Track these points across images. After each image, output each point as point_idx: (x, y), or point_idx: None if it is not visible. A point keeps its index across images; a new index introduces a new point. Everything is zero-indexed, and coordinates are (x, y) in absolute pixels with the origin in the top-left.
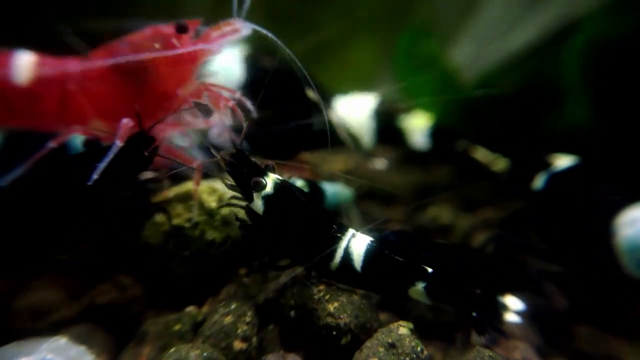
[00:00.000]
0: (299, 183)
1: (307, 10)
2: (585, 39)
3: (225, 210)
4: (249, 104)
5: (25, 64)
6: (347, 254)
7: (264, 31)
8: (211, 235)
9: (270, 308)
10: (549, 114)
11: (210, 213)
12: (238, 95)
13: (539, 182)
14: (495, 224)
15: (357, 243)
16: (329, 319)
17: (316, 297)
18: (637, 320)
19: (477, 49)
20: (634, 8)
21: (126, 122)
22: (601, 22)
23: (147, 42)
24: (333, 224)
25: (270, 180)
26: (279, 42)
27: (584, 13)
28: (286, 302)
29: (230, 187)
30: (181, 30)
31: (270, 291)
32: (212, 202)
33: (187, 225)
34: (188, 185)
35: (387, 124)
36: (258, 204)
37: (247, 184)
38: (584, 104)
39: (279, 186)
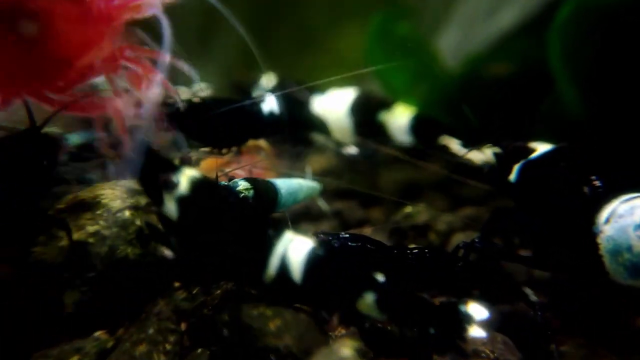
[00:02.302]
0: (243, 183)
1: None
2: (569, 10)
3: (143, 217)
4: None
5: None
6: (284, 263)
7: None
8: (124, 251)
9: (201, 327)
10: (542, 100)
11: (122, 224)
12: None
13: (514, 173)
14: (473, 224)
15: (295, 250)
16: (269, 340)
17: (255, 313)
18: (631, 334)
19: (464, 33)
20: None
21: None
22: None
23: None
24: (267, 228)
25: (185, 177)
26: (230, 17)
27: None
28: (220, 319)
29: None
30: None
31: (204, 308)
32: (125, 211)
33: (91, 240)
34: (98, 190)
35: (367, 119)
36: (170, 208)
37: (155, 184)
38: (571, 88)
39: (196, 184)
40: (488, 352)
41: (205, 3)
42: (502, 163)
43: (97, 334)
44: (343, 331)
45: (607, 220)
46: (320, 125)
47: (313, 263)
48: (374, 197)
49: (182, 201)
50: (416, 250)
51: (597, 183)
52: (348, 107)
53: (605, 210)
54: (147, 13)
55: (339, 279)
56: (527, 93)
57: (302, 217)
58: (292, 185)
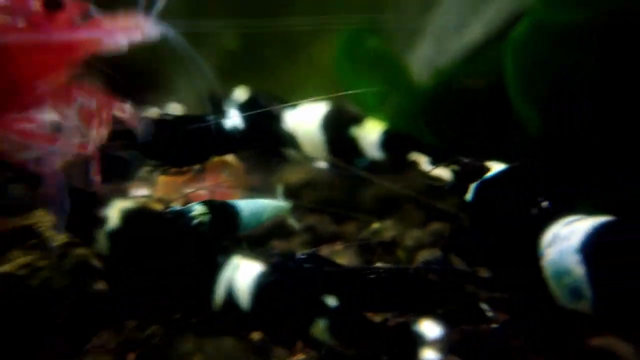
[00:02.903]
0: (198, 207)
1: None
2: (524, 28)
3: (80, 250)
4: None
5: None
6: (231, 289)
7: (176, 36)
8: (59, 283)
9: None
10: (508, 116)
11: (61, 255)
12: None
13: (470, 192)
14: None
15: (243, 275)
16: None
17: (180, 351)
18: (585, 354)
19: (436, 46)
20: None
21: None
22: (543, 9)
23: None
24: (215, 254)
25: (115, 211)
26: (191, 51)
27: None
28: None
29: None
30: (50, 5)
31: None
32: (61, 240)
33: (22, 272)
34: (34, 217)
35: (338, 134)
36: (102, 245)
37: (83, 223)
38: (526, 106)
39: (129, 216)
40: None
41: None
42: (460, 181)
43: None
44: (302, 356)
45: (550, 244)
46: (291, 140)
47: (261, 288)
48: (345, 212)
49: (114, 236)
50: (375, 271)
51: (545, 204)
52: (319, 121)
53: (549, 232)
54: (113, 47)
55: (289, 304)
56: (494, 108)
57: (273, 234)
58: (256, 206)
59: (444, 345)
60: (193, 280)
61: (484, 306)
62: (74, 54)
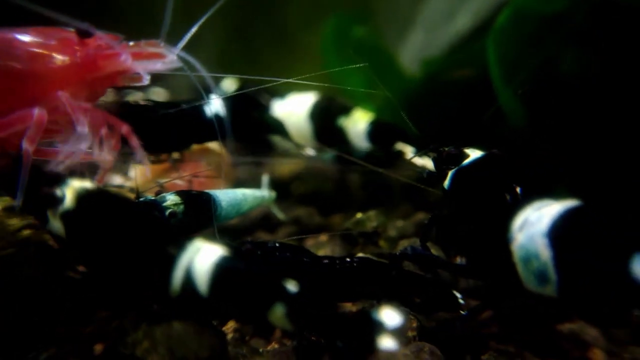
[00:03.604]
0: (171, 197)
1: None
2: (506, 17)
3: (46, 236)
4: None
5: None
6: (188, 275)
7: (197, 66)
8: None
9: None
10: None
11: (22, 242)
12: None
13: (447, 179)
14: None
15: (202, 259)
16: None
17: (130, 340)
18: (557, 339)
19: (426, 37)
20: None
21: None
22: None
23: (40, 36)
24: (170, 239)
25: (71, 191)
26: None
27: None
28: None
29: (23, 210)
30: (83, 34)
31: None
32: (25, 231)
33: None
34: None
35: (326, 123)
36: (56, 226)
37: (36, 201)
38: (508, 95)
39: (84, 197)
40: None
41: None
42: (437, 169)
43: None
44: (276, 346)
45: (521, 228)
46: (279, 129)
47: (221, 272)
48: (334, 203)
49: (67, 217)
50: (347, 260)
51: (518, 190)
52: (308, 111)
53: (519, 217)
54: (130, 71)
55: (246, 288)
56: (480, 97)
57: (259, 226)
58: (235, 197)
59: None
60: (148, 264)
61: (456, 293)
62: (94, 73)
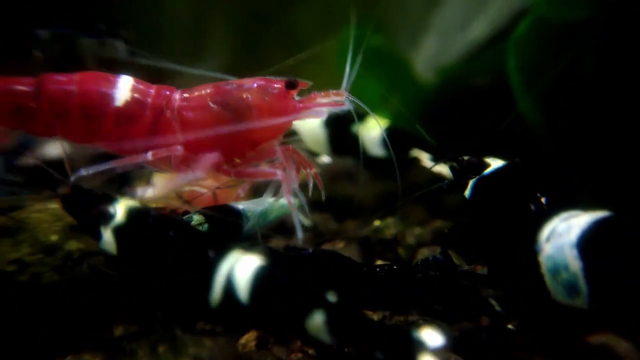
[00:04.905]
0: (196, 217)
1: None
2: (527, 25)
3: (73, 244)
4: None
5: (125, 86)
6: (229, 283)
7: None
8: (50, 277)
9: None
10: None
11: (50, 249)
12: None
13: (469, 189)
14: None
15: (242, 268)
16: None
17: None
18: (584, 350)
19: (440, 44)
20: None
21: (212, 156)
22: (546, 5)
23: (257, 89)
24: (211, 249)
25: (122, 207)
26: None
27: None
28: None
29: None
30: (290, 86)
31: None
32: (51, 235)
33: (10, 268)
34: (26, 212)
35: (340, 130)
36: (108, 241)
37: (90, 218)
38: (529, 103)
39: (134, 214)
40: None
41: None
42: (458, 178)
43: None
44: (300, 355)
45: (548, 239)
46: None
47: (262, 281)
48: (349, 209)
49: (119, 232)
50: (383, 267)
51: (543, 200)
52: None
53: (547, 228)
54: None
55: (286, 297)
56: (497, 104)
57: (275, 231)
58: (260, 208)
59: (446, 346)
60: (188, 275)
61: (493, 302)
62: (293, 120)
